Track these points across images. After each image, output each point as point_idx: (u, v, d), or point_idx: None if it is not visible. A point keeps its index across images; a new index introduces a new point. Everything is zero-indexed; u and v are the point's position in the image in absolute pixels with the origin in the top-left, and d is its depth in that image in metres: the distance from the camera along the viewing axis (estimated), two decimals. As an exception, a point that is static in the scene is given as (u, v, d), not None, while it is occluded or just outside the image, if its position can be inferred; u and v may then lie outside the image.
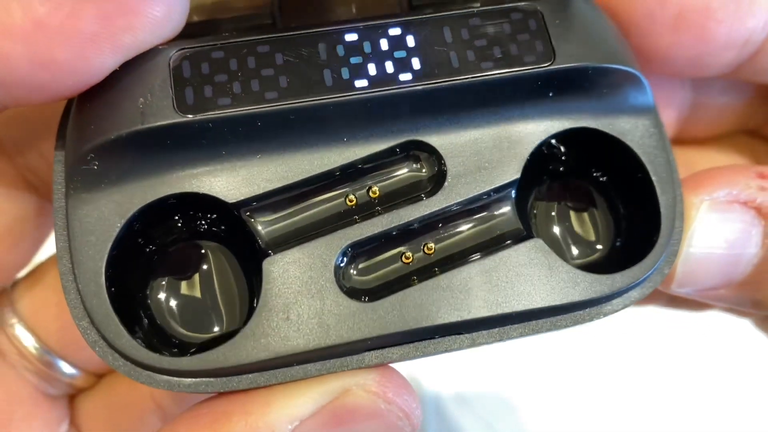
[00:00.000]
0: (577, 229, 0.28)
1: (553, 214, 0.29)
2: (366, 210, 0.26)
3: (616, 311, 0.26)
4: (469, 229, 0.26)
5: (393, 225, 0.25)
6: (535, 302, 0.25)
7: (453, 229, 0.26)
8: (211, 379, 0.24)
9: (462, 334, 0.25)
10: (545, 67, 0.25)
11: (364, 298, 0.25)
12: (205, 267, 0.27)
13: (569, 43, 0.25)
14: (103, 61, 0.23)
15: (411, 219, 0.25)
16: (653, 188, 0.26)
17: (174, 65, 0.24)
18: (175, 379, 0.24)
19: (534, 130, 0.26)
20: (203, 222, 0.26)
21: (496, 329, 0.25)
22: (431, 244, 0.26)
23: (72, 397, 0.33)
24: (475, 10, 0.25)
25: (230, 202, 0.25)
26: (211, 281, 0.26)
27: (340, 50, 0.24)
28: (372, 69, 0.24)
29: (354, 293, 0.25)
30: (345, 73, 0.24)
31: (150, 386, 0.24)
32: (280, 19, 0.27)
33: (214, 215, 0.26)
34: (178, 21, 0.24)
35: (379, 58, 0.24)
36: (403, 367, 0.25)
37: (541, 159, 0.27)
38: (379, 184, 0.26)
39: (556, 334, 0.26)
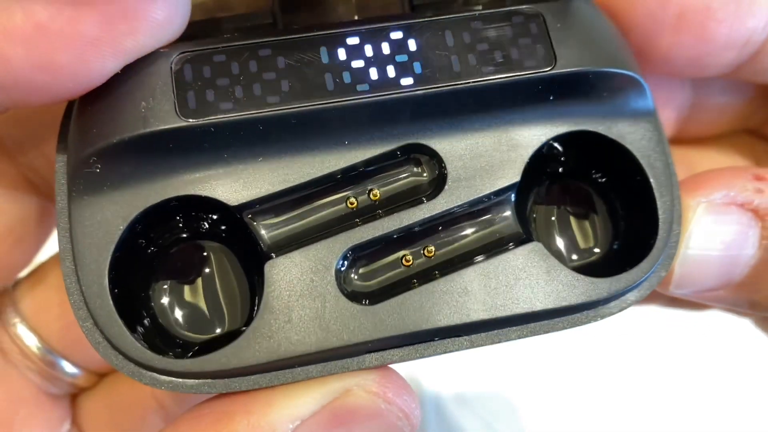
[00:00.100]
0: (575, 232, 0.28)
1: (552, 218, 0.29)
2: (367, 213, 0.26)
3: (614, 314, 0.26)
4: (469, 232, 0.27)
5: (394, 228, 0.25)
6: (534, 305, 0.25)
7: (453, 233, 0.27)
8: (214, 381, 0.24)
9: (461, 336, 0.25)
10: (546, 71, 0.25)
11: (365, 301, 0.25)
12: (206, 268, 0.27)
13: (570, 47, 0.25)
14: (104, 65, 0.23)
15: (411, 222, 0.25)
16: (652, 192, 0.26)
17: (175, 69, 0.24)
18: (178, 380, 0.24)
19: (534, 134, 0.26)
20: (205, 225, 0.27)
21: (495, 332, 0.25)
22: (431, 247, 0.26)
23: (74, 396, 0.33)
24: (477, 13, 0.25)
25: (232, 205, 0.25)
26: (212, 282, 0.27)
27: (342, 54, 0.24)
28: (373, 73, 0.24)
29: (355, 296, 0.25)
30: (347, 77, 0.24)
31: (153, 387, 0.24)
32: (280, 18, 0.27)
33: (216, 218, 0.26)
34: (180, 24, 0.24)
35: (381, 62, 0.24)
36: (403, 368, 0.26)
37: (540, 162, 0.27)
38: (380, 188, 0.26)
39: (555, 334, 0.26)
